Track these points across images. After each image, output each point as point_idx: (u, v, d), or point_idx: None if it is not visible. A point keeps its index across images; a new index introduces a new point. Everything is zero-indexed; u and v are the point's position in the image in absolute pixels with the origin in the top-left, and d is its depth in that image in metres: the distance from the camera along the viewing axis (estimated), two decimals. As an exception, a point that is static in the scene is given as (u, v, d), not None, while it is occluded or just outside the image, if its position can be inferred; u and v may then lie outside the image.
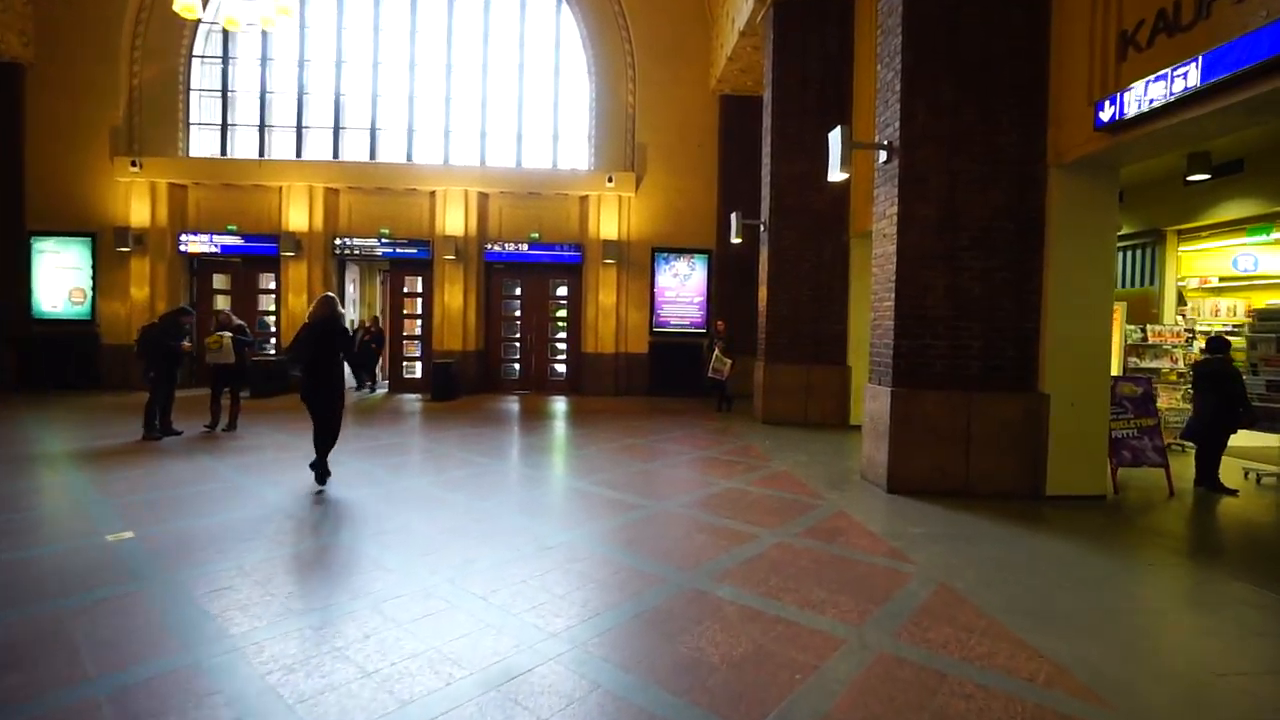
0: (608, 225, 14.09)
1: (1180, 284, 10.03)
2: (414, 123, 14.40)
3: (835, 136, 6.27)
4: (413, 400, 12.80)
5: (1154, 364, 9.09)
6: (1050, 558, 4.49)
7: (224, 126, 14.26)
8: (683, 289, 14.28)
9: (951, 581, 3.97)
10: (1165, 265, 9.71)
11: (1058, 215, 5.96)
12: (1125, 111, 4.91)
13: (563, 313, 14.71)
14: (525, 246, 14.16)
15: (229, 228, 13.85)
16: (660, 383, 14.13)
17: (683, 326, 14.30)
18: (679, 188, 14.30)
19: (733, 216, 10.72)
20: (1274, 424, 7.28)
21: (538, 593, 3.68)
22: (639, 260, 14.27)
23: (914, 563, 4.30)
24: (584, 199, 14.24)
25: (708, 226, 14.18)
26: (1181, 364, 8.93)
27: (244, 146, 14.32)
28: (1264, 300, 9.43)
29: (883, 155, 6.34)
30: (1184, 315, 9.77)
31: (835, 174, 6.36)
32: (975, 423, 6.02)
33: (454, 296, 13.94)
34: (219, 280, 14.37)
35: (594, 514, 5.38)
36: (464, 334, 14.03)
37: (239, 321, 9.01)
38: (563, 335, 14.73)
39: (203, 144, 14.24)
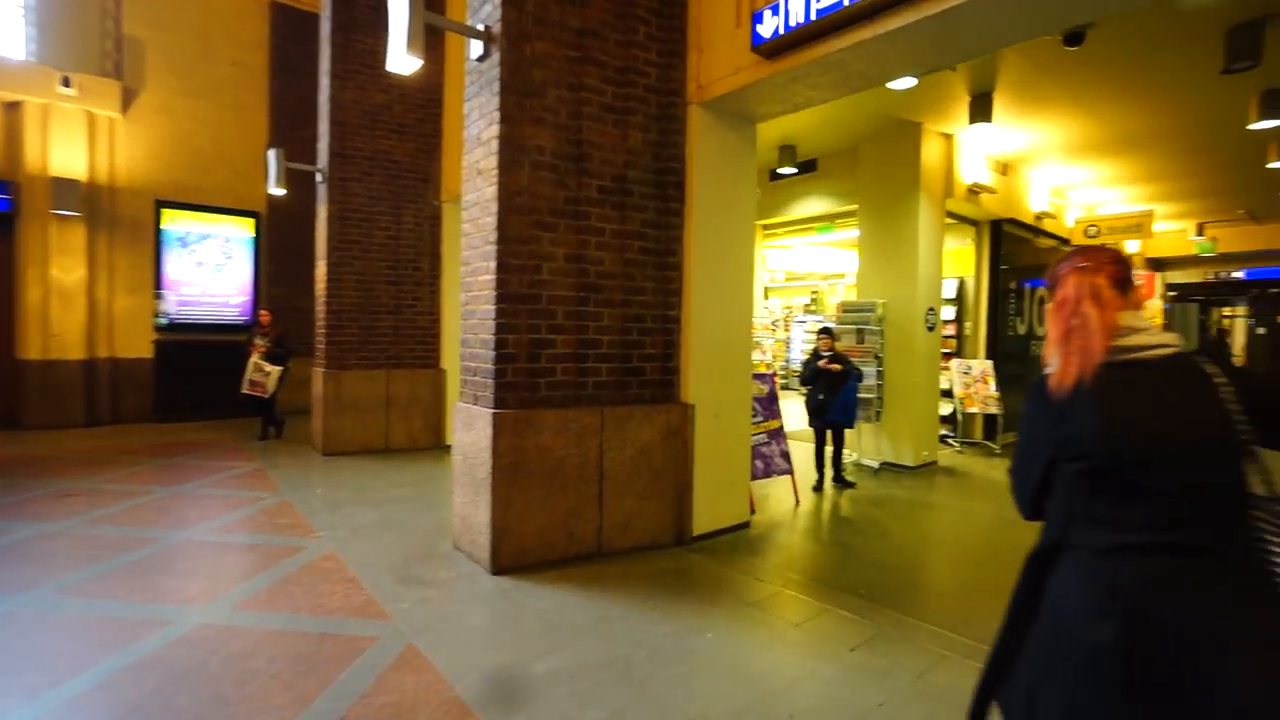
0: (66, 156, 8.82)
1: (767, 277, 10.53)
2: None
3: (399, 3, 3.75)
4: None
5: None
6: (771, 666, 2.83)
7: None
8: (212, 264, 9.92)
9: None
10: (754, 258, 9.97)
11: (700, 171, 4.59)
12: (791, 22, 3.62)
13: (-25, 292, 8.79)
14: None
15: None
16: (175, 403, 9.50)
17: (217, 318, 9.95)
18: (205, 119, 9.86)
19: (270, 155, 7.24)
20: (864, 413, 7.51)
21: None
22: (134, 217, 9.36)
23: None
24: (13, 108, 8.67)
25: (252, 179, 10.11)
26: (770, 356, 9.12)
27: None
28: (797, 296, 10.62)
29: (476, 47, 4.08)
30: (767, 308, 10.23)
31: (398, 62, 3.85)
32: (610, 451, 4.26)
33: None
34: None
35: None
36: None
37: None
38: (-24, 330, 8.81)
39: None
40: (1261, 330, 15.81)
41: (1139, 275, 14.69)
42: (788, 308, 15.50)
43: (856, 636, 3.21)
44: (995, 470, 7.37)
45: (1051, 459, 1.37)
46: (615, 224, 4.31)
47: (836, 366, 6.02)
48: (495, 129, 3.90)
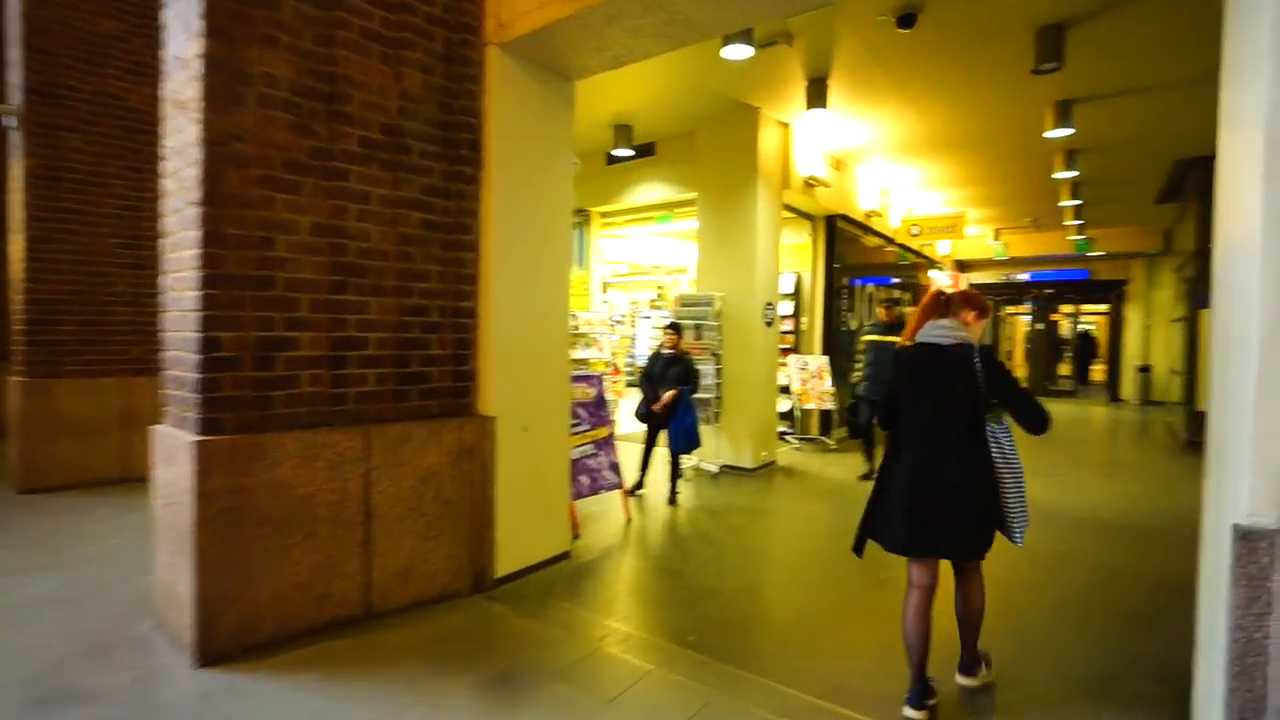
0: None
1: (608, 269, 9.88)
2: None
3: None
4: None
5: (584, 355, 8.38)
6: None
7: None
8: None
9: None
10: (591, 248, 9.27)
11: (503, 130, 3.74)
12: (598, -64, 2.88)
13: None
14: None
15: None
16: None
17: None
18: None
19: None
20: (703, 414, 7.03)
21: None
22: None
23: None
24: None
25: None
26: (609, 354, 8.49)
27: None
28: (645, 289, 10.18)
29: (169, -70, 2.91)
30: (607, 301, 9.59)
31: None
32: (381, 483, 3.29)
33: None
34: None
35: None
36: None
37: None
38: None
39: None
40: (1040, 326, 17.96)
41: (953, 278, 16.03)
42: (634, 303, 15.08)
43: (683, 710, 2.57)
44: (831, 467, 7.27)
45: (894, 394, 2.68)
46: (386, 188, 3.34)
47: (667, 398, 5.57)
48: (199, 44, 2.78)
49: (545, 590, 3.73)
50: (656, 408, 5.62)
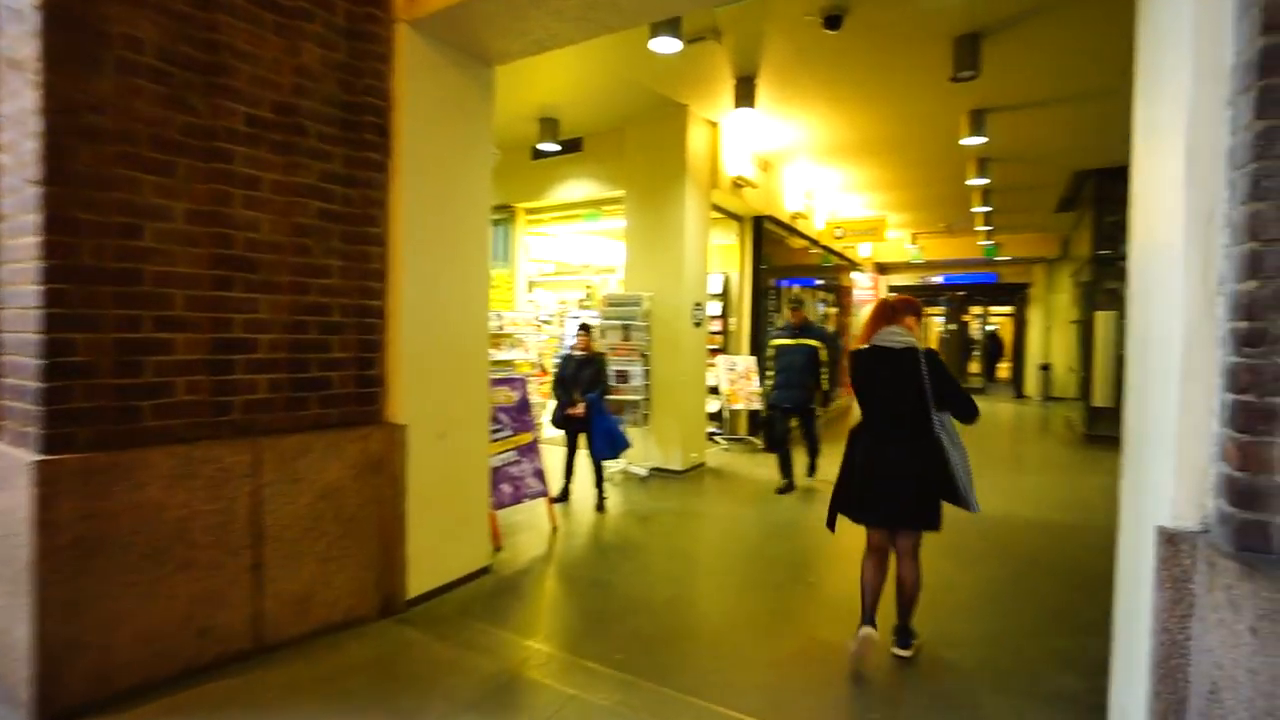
0: None
1: (534, 267, 9.59)
2: None
3: None
4: None
5: (509, 356, 8.09)
6: None
7: None
8: None
9: None
10: (515, 246, 8.95)
11: (414, 115, 3.45)
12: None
13: None
14: None
15: None
16: None
17: None
18: None
19: None
20: (619, 417, 6.89)
21: None
22: None
23: None
24: None
25: None
26: (535, 355, 8.22)
27: None
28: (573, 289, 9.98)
29: None
30: (533, 301, 9.31)
31: None
32: (274, 501, 2.95)
33: None
34: None
35: None
36: None
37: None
38: None
39: None
40: (953, 327, 18.87)
41: (873, 280, 16.58)
42: (564, 303, 14.79)
43: (607, 739, 2.39)
44: (760, 469, 7.28)
45: (856, 390, 3.10)
46: (278, 173, 3.00)
47: (580, 410, 5.40)
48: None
49: (462, 610, 3.47)
50: (571, 413, 5.44)
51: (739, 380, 8.14)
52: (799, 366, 6.03)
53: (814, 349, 6.04)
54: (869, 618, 2.96)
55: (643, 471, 6.80)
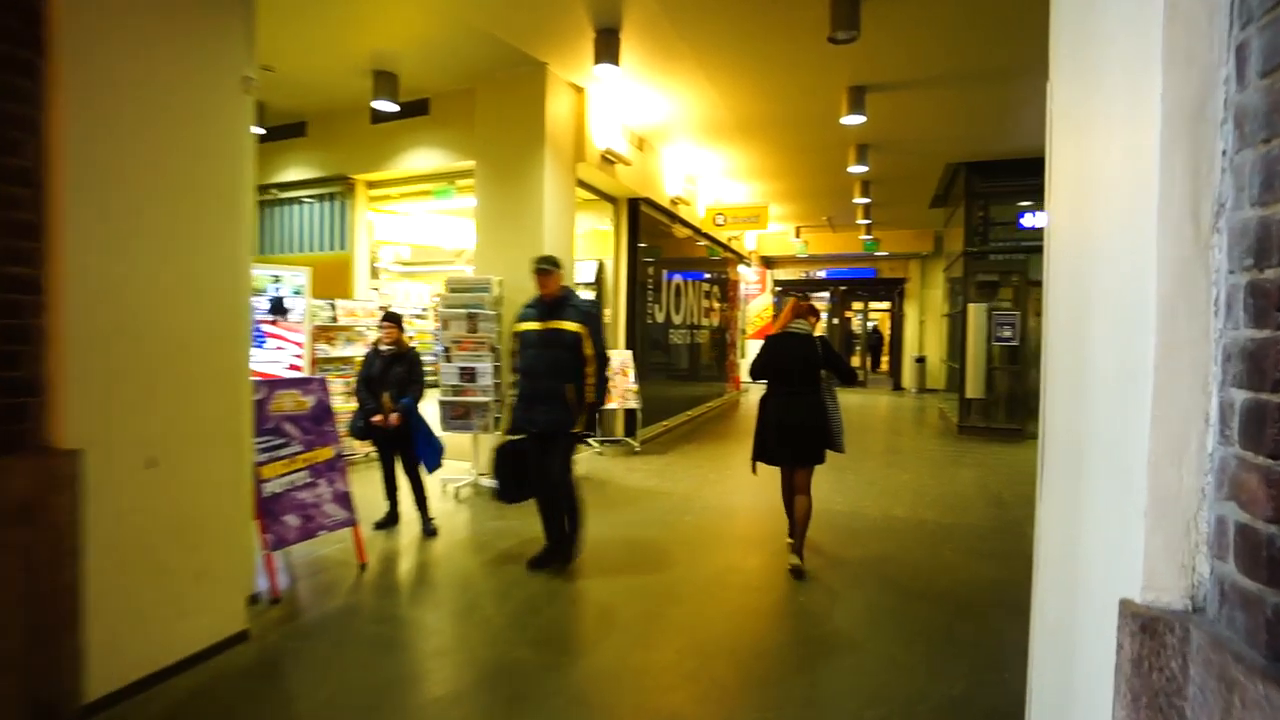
0: None
1: (383, 250, 8.38)
2: None
3: None
4: None
5: (347, 352, 6.92)
6: None
7: None
8: None
9: None
10: (356, 225, 7.71)
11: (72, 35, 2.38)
12: None
13: None
14: None
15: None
16: None
17: None
18: None
19: None
20: (467, 421, 5.91)
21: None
22: None
23: None
24: None
25: None
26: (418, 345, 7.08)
27: None
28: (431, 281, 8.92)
29: None
30: (379, 290, 8.12)
31: None
32: None
33: None
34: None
35: None
36: None
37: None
38: None
39: None
40: (835, 321, 19.20)
41: (759, 274, 16.45)
42: (437, 295, 13.51)
43: None
44: (636, 473, 6.58)
45: (766, 363, 4.16)
46: None
47: (395, 419, 4.51)
48: None
49: (179, 713, 2.45)
50: (378, 420, 4.49)
51: (612, 376, 7.40)
52: (547, 366, 3.86)
53: (574, 336, 3.84)
54: (794, 531, 4.07)
55: (494, 483, 5.88)
